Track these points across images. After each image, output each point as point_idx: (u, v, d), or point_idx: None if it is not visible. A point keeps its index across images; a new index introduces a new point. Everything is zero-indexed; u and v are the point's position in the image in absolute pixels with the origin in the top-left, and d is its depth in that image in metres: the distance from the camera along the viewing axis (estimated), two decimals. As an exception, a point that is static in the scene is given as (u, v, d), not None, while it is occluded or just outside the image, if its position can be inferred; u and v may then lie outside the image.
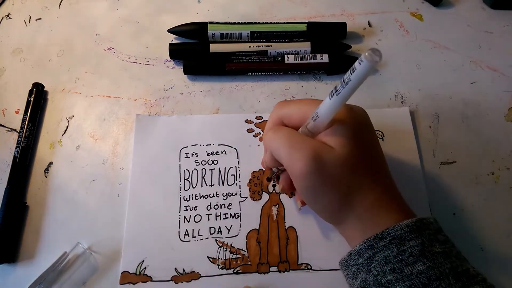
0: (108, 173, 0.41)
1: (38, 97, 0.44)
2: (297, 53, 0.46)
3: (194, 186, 0.40)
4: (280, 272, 0.36)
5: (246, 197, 0.39)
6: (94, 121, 0.44)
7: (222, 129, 0.42)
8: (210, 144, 0.41)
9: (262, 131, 0.42)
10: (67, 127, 0.44)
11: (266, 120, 0.42)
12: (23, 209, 0.39)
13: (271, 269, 0.36)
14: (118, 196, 0.40)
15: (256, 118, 0.43)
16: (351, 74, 0.25)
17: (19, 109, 0.45)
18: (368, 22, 0.50)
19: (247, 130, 0.42)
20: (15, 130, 0.44)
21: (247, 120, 0.43)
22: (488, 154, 0.41)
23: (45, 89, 0.45)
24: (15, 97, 0.45)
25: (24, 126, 0.42)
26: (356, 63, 0.24)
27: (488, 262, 0.36)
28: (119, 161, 0.41)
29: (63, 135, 0.43)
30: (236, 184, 0.40)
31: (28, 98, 0.43)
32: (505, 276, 0.36)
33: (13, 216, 0.38)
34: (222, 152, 0.41)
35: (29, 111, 0.43)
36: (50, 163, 0.42)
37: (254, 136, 0.42)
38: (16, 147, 0.41)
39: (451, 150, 0.41)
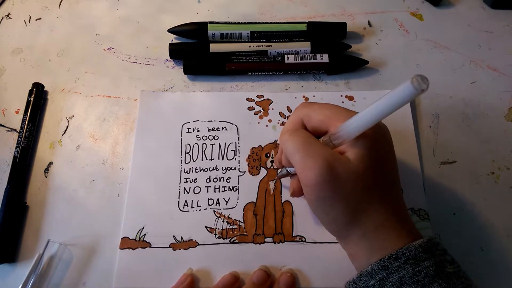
0: (108, 173, 0.41)
1: (38, 97, 0.44)
2: (297, 53, 0.46)
3: (194, 160, 0.41)
4: (275, 243, 0.37)
5: (245, 172, 0.40)
6: (94, 121, 0.44)
7: (224, 106, 0.44)
8: (211, 120, 0.43)
9: (263, 109, 0.43)
10: (67, 127, 0.44)
11: (267, 99, 0.44)
12: (23, 209, 0.39)
13: (266, 240, 0.37)
14: (118, 196, 0.40)
15: (257, 96, 0.44)
16: (392, 96, 0.24)
17: (19, 109, 0.45)
18: (368, 22, 0.50)
19: (248, 108, 0.43)
20: (15, 130, 0.44)
21: (248, 98, 0.44)
22: (488, 154, 0.41)
23: (45, 89, 0.45)
24: (15, 97, 0.45)
25: (24, 126, 0.42)
26: (401, 86, 0.23)
27: (488, 262, 0.36)
28: (119, 161, 0.41)
29: (63, 135, 0.43)
30: (235, 159, 0.41)
31: (28, 98, 0.43)
32: (505, 276, 0.36)
33: (13, 216, 0.38)
34: (222, 128, 0.42)
35: (29, 111, 0.43)
36: (50, 163, 0.42)
37: (254, 114, 0.43)
38: (16, 147, 0.41)
39: (451, 150, 0.41)
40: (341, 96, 0.44)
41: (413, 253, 0.27)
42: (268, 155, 0.41)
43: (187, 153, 0.41)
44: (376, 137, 0.29)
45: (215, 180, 0.40)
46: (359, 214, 0.29)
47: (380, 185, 0.29)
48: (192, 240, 0.37)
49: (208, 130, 0.42)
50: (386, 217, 0.29)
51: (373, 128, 0.29)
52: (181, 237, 0.37)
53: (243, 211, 0.39)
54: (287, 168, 0.36)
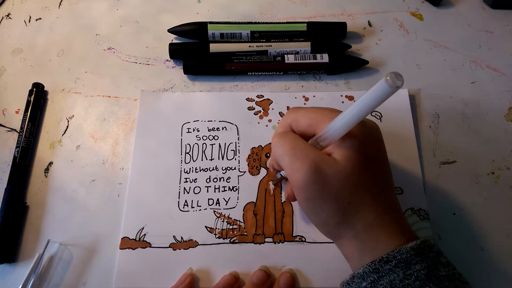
0: (108, 173, 0.41)
1: (38, 97, 0.44)
2: (297, 53, 0.46)
3: (194, 160, 0.41)
4: (275, 243, 0.37)
5: (245, 172, 0.40)
6: (94, 121, 0.44)
7: (224, 106, 0.44)
8: (211, 120, 0.43)
9: (263, 109, 0.43)
10: (67, 127, 0.44)
11: (267, 99, 0.44)
12: (23, 209, 0.39)
13: (266, 240, 0.37)
14: (118, 196, 0.40)
15: (257, 96, 0.44)
16: (369, 95, 0.24)
17: (19, 109, 0.45)
18: (368, 22, 0.50)
19: (248, 108, 0.43)
20: (15, 130, 0.44)
21: (248, 98, 0.44)
22: (488, 154, 0.41)
23: (45, 89, 0.45)
24: (15, 97, 0.45)
25: (24, 126, 0.42)
26: (376, 85, 0.23)
27: (488, 262, 0.36)
28: (119, 161, 0.41)
29: (63, 135, 0.43)
30: (235, 159, 0.41)
31: (28, 98, 0.43)
32: (505, 276, 0.36)
33: (13, 216, 0.38)
34: (222, 128, 0.43)
35: (29, 111, 0.43)
36: (50, 163, 0.42)
37: (254, 114, 0.43)
38: (16, 147, 0.41)
39: (451, 150, 0.41)
40: (341, 96, 0.44)
41: (404, 256, 0.27)
42: (268, 155, 0.41)
43: (187, 153, 0.41)
44: (363, 137, 0.29)
45: (215, 180, 0.40)
46: (349, 214, 0.29)
47: (370, 185, 0.29)
48: (192, 240, 0.37)
49: (208, 130, 0.42)
50: (377, 217, 0.29)
51: (360, 128, 0.29)
52: (181, 237, 0.37)
53: (243, 211, 0.39)
54: (281, 172, 0.36)
